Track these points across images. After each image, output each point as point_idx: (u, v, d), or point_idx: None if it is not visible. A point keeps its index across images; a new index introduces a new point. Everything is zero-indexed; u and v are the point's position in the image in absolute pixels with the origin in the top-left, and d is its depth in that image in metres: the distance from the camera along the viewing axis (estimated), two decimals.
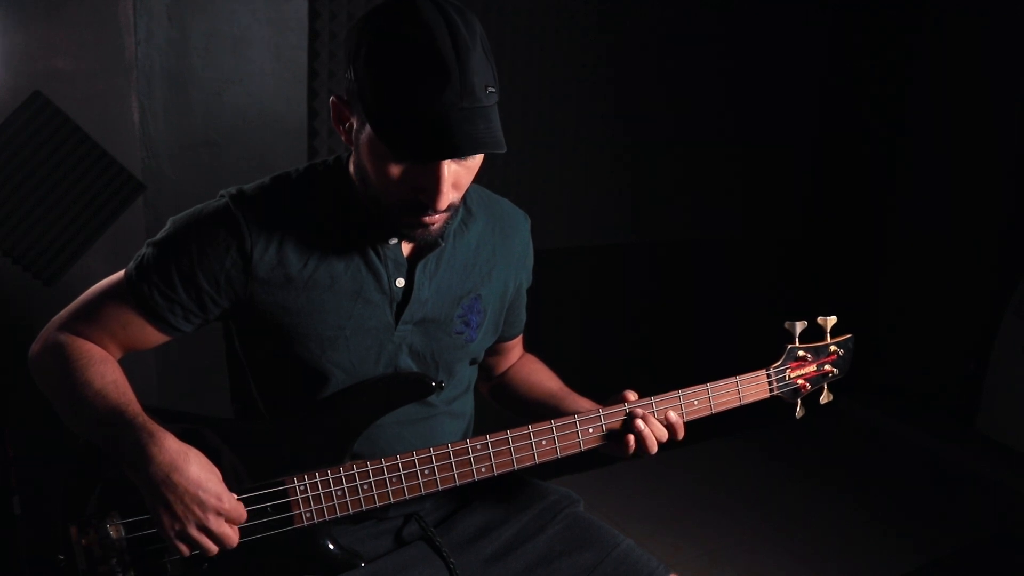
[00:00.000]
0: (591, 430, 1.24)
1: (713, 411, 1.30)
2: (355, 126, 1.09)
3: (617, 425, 1.24)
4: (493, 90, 1.04)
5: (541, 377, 1.46)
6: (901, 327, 3.63)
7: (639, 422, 1.22)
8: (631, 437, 1.23)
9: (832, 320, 1.42)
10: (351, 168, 1.17)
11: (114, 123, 1.93)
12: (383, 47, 1.01)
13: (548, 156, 2.65)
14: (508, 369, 1.50)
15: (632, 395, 1.27)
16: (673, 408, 1.26)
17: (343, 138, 1.13)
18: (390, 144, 1.02)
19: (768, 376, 1.36)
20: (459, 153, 1.01)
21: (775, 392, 1.37)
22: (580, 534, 1.32)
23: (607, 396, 1.29)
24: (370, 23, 1.03)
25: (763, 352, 1.40)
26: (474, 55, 1.01)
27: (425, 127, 0.99)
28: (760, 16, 2.98)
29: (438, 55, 0.99)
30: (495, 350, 1.44)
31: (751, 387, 1.33)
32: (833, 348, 1.43)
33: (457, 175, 1.07)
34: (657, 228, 3.01)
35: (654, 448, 1.24)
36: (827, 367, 1.42)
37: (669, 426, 1.26)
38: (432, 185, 1.05)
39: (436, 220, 1.11)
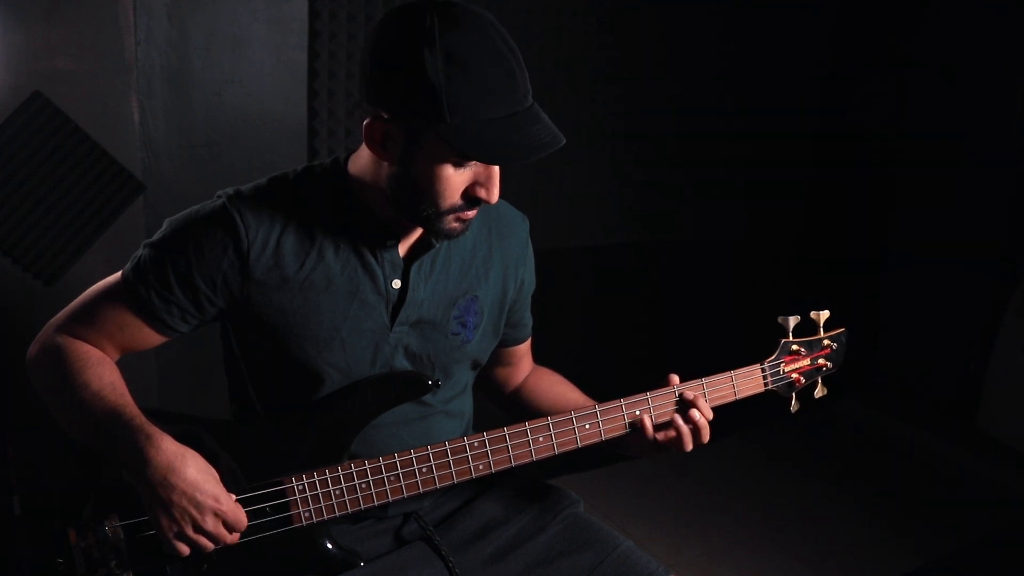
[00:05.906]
0: (588, 427, 1.24)
1: (709, 405, 1.30)
2: (404, 140, 1.05)
3: (667, 414, 1.26)
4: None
5: (565, 388, 1.44)
6: (901, 326, 3.62)
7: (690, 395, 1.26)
8: (678, 417, 1.25)
9: (825, 314, 1.42)
10: (351, 171, 1.17)
11: (114, 123, 1.93)
12: (449, 55, 0.98)
13: (548, 156, 2.65)
14: (524, 381, 1.48)
15: (675, 378, 1.28)
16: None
17: (380, 156, 1.10)
18: (470, 150, 1.02)
19: (763, 370, 1.36)
20: (542, 151, 1.04)
21: (770, 386, 1.37)
22: (580, 534, 1.32)
23: (606, 394, 1.29)
24: (417, 33, 0.99)
25: (758, 347, 1.41)
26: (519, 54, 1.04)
27: (505, 129, 1.01)
28: (761, 15, 2.98)
29: (502, 57, 1.01)
30: (504, 360, 1.44)
31: (746, 381, 1.34)
32: (826, 342, 1.43)
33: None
34: (657, 228, 3.01)
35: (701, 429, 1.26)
36: (821, 361, 1.43)
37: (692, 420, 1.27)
38: (490, 180, 1.09)
39: (473, 214, 1.13)
